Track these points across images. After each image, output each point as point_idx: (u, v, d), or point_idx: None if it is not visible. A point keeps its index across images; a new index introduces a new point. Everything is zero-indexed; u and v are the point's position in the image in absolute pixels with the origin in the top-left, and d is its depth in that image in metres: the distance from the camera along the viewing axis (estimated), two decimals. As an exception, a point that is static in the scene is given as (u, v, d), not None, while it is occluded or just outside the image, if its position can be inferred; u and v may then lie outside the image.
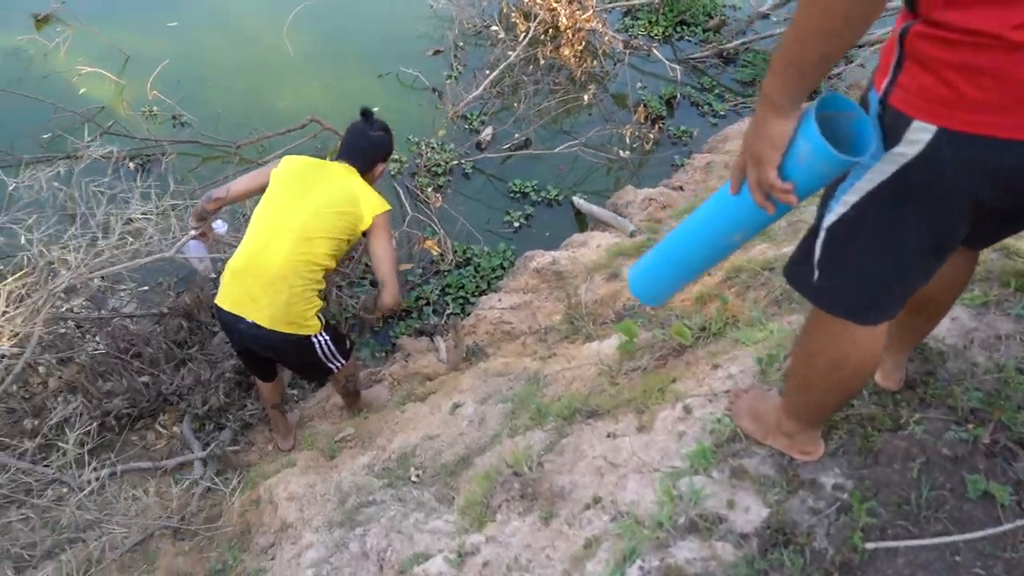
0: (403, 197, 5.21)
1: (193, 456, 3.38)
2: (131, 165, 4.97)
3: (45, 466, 3.30)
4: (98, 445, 3.48)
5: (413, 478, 2.55)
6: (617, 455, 2.06)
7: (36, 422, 3.50)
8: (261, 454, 3.47)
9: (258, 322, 2.83)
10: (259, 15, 6.68)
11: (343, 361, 3.14)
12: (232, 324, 2.91)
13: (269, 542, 2.66)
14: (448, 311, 4.52)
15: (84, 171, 4.18)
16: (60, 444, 3.36)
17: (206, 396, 3.68)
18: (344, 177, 2.96)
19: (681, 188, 5.26)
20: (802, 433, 1.75)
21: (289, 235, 2.81)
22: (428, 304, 4.60)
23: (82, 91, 5.57)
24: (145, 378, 3.68)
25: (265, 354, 3.07)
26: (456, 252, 4.89)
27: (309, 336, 2.92)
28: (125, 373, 3.65)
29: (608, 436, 2.17)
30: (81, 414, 3.48)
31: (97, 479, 3.30)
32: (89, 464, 3.30)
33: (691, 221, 1.60)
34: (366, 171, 3.05)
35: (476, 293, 4.65)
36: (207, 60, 6.16)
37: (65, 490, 3.14)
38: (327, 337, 3.00)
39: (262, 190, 2.99)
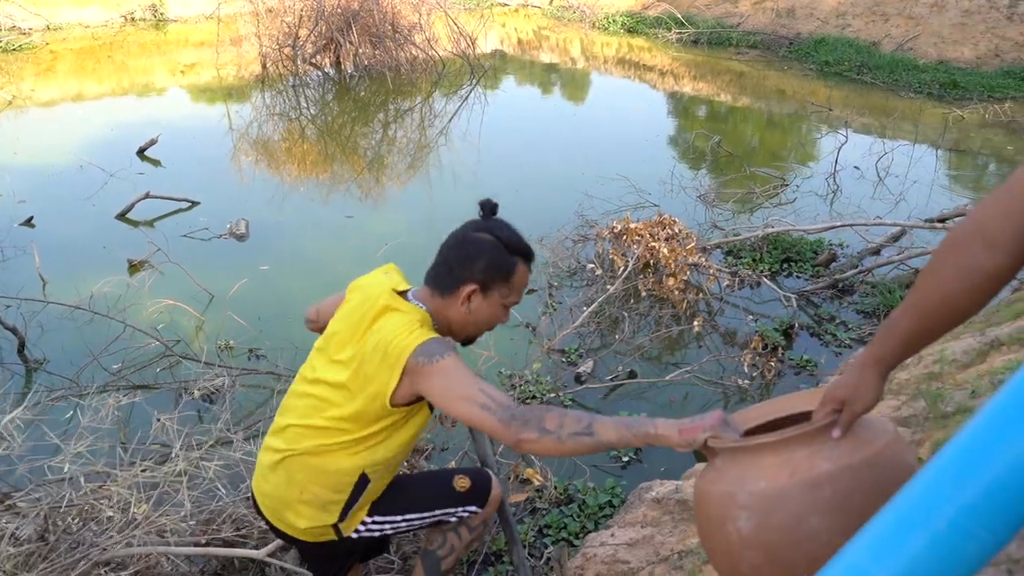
0: (494, 428, 4.57)
1: None
2: (196, 394, 4.52)
3: None
4: None
5: None
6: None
7: None
8: None
9: None
10: (349, 259, 6.59)
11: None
12: None
13: None
14: (547, 552, 3.69)
15: (152, 402, 3.91)
16: None
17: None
18: (380, 318, 2.08)
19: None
20: None
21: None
22: (524, 547, 3.77)
23: (160, 326, 5.33)
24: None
25: None
26: (556, 488, 4.13)
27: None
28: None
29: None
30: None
31: None
32: None
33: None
34: (446, 292, 2.13)
35: (581, 534, 3.83)
36: (290, 300, 5.94)
37: None
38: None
39: None
